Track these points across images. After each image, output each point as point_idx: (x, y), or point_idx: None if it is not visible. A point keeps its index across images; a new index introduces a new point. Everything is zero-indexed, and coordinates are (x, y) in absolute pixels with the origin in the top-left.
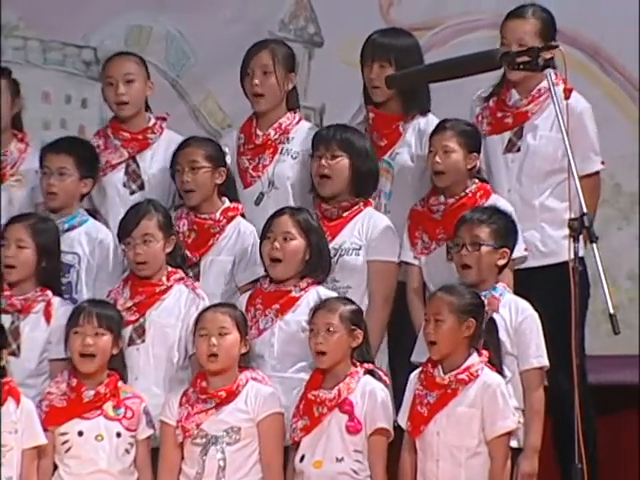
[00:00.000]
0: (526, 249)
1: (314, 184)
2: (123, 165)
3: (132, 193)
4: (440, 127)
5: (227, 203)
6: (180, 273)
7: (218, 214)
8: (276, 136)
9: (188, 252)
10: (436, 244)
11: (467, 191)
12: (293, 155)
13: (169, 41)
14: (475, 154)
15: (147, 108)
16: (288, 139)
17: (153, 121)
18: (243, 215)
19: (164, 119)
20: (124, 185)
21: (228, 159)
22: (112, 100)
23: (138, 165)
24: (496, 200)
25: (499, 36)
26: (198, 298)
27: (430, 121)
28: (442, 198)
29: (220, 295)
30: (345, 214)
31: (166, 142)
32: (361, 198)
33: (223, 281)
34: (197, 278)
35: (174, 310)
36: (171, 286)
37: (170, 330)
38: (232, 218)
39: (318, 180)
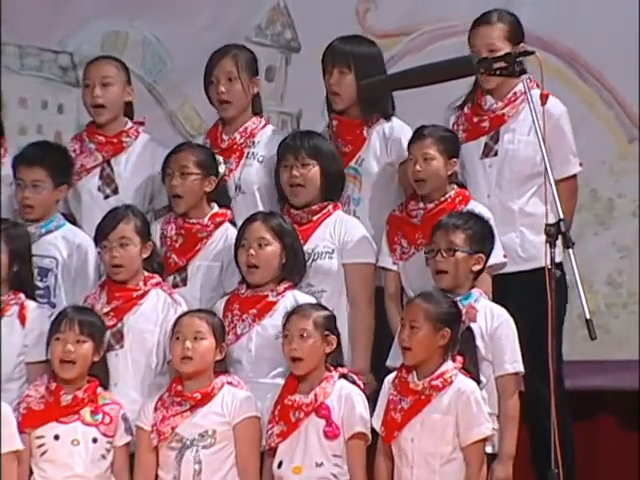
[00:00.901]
0: (505, 255)
1: (285, 193)
2: (98, 169)
3: (106, 197)
4: (418, 134)
5: (216, 208)
6: (157, 278)
7: (206, 219)
8: (242, 140)
9: (175, 257)
10: (415, 249)
11: (446, 196)
12: (259, 159)
13: (146, 47)
14: (454, 159)
15: (130, 114)
16: (254, 143)
17: (129, 125)
18: (232, 222)
19: (141, 123)
20: (98, 189)
21: (222, 168)
22: (88, 103)
23: (112, 169)
24: (474, 206)
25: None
26: (175, 303)
27: (395, 126)
28: (421, 203)
29: (207, 301)
30: (315, 218)
31: (141, 146)
32: (329, 201)
33: (210, 287)
34: (184, 283)
35: (152, 315)
36: (148, 291)
37: (148, 335)
38: (220, 224)
39: (290, 189)
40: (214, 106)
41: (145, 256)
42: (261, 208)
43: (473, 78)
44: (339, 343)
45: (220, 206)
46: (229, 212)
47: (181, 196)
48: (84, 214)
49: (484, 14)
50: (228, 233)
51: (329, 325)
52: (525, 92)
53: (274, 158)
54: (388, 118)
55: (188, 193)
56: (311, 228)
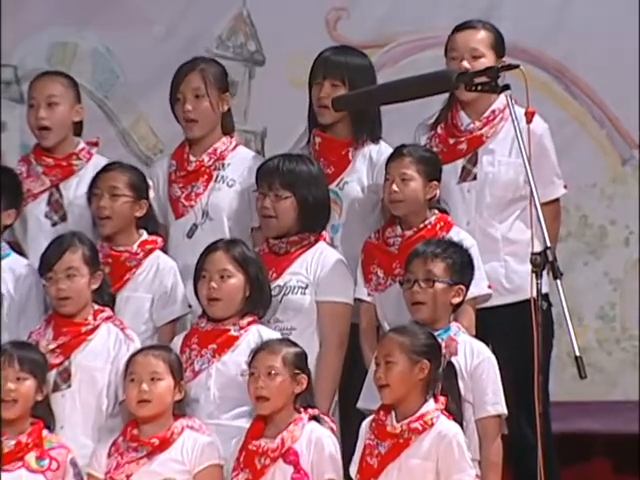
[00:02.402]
0: (490, 286)
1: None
2: (45, 194)
3: (54, 225)
4: (397, 153)
5: (145, 235)
6: (108, 311)
7: (135, 246)
8: (210, 162)
9: None
10: (392, 280)
11: (426, 222)
12: (229, 183)
13: (96, 59)
14: (435, 182)
15: (79, 133)
16: (223, 165)
17: (81, 146)
18: (163, 250)
19: (95, 144)
20: (46, 216)
21: (151, 193)
22: (33, 124)
23: (61, 194)
24: (457, 233)
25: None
26: (128, 339)
27: (382, 150)
28: (399, 230)
29: (138, 335)
30: (293, 249)
31: (93, 169)
32: (311, 232)
33: (141, 320)
34: None
35: (102, 352)
36: (98, 325)
37: (98, 374)
38: (150, 252)
39: (262, 220)
40: (180, 125)
41: (94, 287)
42: (229, 237)
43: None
44: (310, 383)
45: (149, 233)
46: (159, 239)
47: (110, 217)
48: (30, 243)
49: (466, 21)
50: (159, 262)
51: (299, 363)
52: (508, 109)
53: (245, 182)
54: (376, 141)
55: (117, 216)
56: (287, 260)
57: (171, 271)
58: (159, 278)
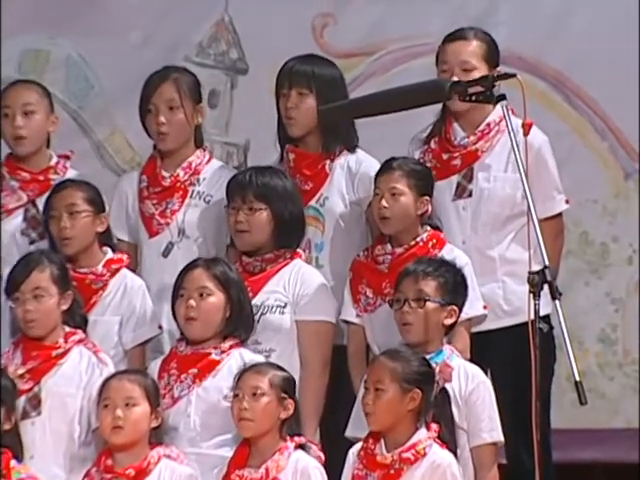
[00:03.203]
0: (485, 306)
1: (231, 237)
2: (21, 210)
3: (32, 242)
4: (387, 167)
5: (110, 254)
6: (80, 334)
7: (100, 267)
8: (185, 177)
9: None
10: (381, 300)
11: (417, 239)
12: (205, 199)
13: (70, 67)
14: (426, 197)
15: (48, 145)
16: (199, 180)
17: (56, 160)
18: (131, 268)
19: (68, 157)
20: (22, 233)
21: (107, 206)
22: (8, 134)
23: (38, 210)
24: (450, 250)
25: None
26: (101, 363)
27: (361, 158)
28: (389, 247)
29: None
30: (269, 267)
31: None
32: (287, 249)
33: (110, 345)
34: None
35: (74, 377)
36: (69, 349)
37: (70, 400)
38: (116, 271)
39: (235, 235)
40: (151, 137)
41: (65, 308)
42: (207, 254)
43: (440, 105)
44: (297, 409)
45: (113, 250)
46: (125, 257)
47: (72, 237)
48: (5, 261)
49: (457, 30)
50: (127, 281)
51: (287, 387)
52: (505, 121)
53: (222, 197)
54: (352, 150)
55: (79, 234)
56: (263, 279)
57: (139, 290)
58: (127, 299)
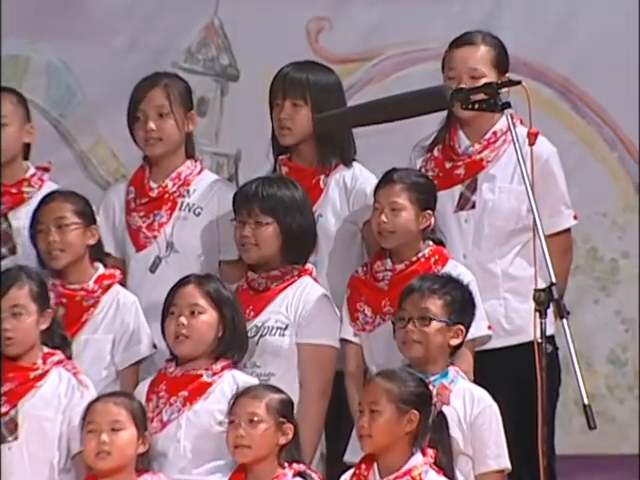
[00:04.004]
0: (490, 327)
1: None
2: None
3: (2, 258)
4: (387, 179)
5: (101, 269)
6: (59, 355)
7: (91, 283)
8: (174, 188)
9: None
10: (381, 319)
11: (419, 255)
12: (195, 211)
13: (51, 74)
14: (429, 212)
15: (26, 156)
16: (189, 192)
17: (32, 171)
18: (122, 284)
19: (46, 169)
20: None
21: (97, 218)
22: None
23: (10, 224)
24: (454, 267)
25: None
26: (82, 385)
27: (357, 174)
28: (389, 263)
29: (97, 382)
30: (274, 285)
31: None
32: (295, 265)
33: (102, 365)
34: None
35: (52, 400)
36: (48, 370)
37: (48, 424)
38: (109, 287)
39: (241, 249)
40: (139, 147)
41: (44, 327)
42: (197, 271)
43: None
44: (296, 433)
45: (105, 266)
46: (117, 272)
47: (62, 250)
48: None
49: (464, 34)
50: (119, 297)
51: (285, 411)
52: (510, 130)
53: (213, 210)
54: (349, 164)
55: (69, 248)
56: (267, 297)
57: (132, 307)
58: (120, 316)
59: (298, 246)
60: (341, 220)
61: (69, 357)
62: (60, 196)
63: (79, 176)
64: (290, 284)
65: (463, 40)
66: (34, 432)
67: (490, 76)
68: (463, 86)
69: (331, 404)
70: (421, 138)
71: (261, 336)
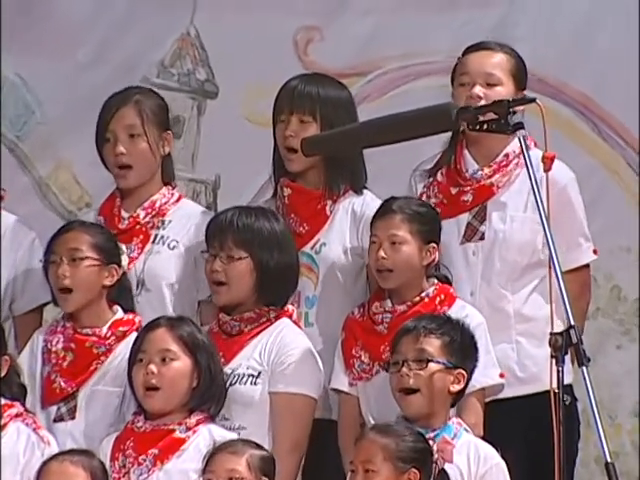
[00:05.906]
0: (502, 375)
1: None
2: None
3: None
4: (385, 209)
5: (120, 314)
6: (17, 407)
7: (105, 329)
8: (147, 219)
9: (62, 380)
10: (379, 366)
11: (422, 295)
12: (170, 244)
13: (7, 91)
14: (433, 245)
15: None
16: (163, 223)
17: None
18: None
19: (0, 198)
20: None
21: (124, 259)
22: None
23: None
24: (462, 307)
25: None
26: (43, 442)
27: (368, 202)
28: (389, 304)
29: (103, 440)
30: (247, 329)
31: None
32: (272, 307)
33: (108, 421)
34: (72, 416)
35: (10, 459)
36: (5, 425)
37: None
38: (124, 335)
39: (212, 287)
40: (110, 171)
41: (1, 375)
42: (171, 311)
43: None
44: None
45: (125, 310)
46: (137, 318)
47: (71, 288)
48: None
49: (481, 42)
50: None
51: (266, 468)
52: (522, 154)
53: (191, 243)
54: (359, 191)
55: (81, 285)
56: (240, 342)
57: None
58: None
59: (275, 286)
60: (347, 251)
61: (27, 410)
62: (79, 226)
63: (37, 205)
64: (265, 327)
65: (479, 45)
66: None
67: (507, 86)
68: (479, 95)
69: (313, 457)
70: (422, 161)
71: (230, 385)
